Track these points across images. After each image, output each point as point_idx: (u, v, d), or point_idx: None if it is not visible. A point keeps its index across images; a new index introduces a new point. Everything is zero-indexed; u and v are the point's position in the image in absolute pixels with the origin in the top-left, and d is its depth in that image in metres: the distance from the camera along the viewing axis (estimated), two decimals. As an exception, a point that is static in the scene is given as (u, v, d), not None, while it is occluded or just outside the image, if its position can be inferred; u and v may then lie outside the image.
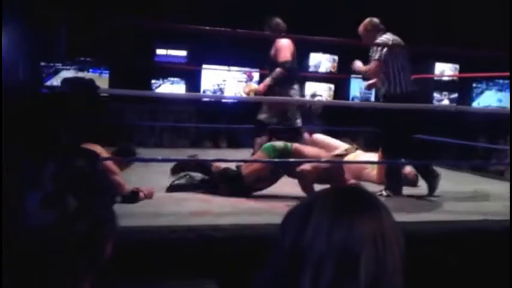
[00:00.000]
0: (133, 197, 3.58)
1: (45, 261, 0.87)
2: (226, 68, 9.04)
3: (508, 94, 10.90)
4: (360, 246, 0.88)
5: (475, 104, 10.75)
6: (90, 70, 8.28)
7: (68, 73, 7.95)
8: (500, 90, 11.18)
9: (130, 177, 4.41)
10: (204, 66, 8.84)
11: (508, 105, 10.34)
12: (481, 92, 11.15)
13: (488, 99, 11.03)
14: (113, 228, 0.96)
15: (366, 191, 1.00)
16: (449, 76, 10.98)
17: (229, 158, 4.83)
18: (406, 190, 4.66)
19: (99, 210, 0.93)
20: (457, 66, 10.79)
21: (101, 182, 0.98)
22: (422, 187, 4.90)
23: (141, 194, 3.68)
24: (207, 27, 3.72)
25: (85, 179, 0.93)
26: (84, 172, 0.94)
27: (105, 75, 8.34)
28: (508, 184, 5.45)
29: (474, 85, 11.05)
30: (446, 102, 10.98)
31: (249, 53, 8.20)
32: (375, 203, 0.96)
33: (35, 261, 0.86)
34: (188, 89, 8.97)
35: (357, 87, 10.05)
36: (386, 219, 0.93)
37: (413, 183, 4.85)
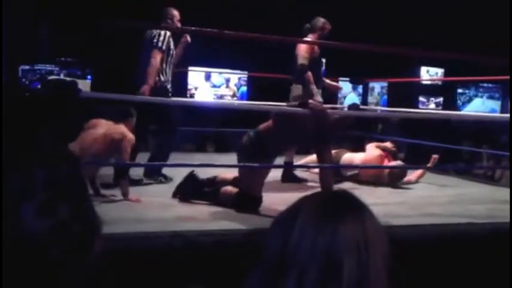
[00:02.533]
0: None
1: (41, 267, 0.86)
2: (209, 70, 9.04)
3: (499, 102, 11.03)
4: (344, 251, 0.89)
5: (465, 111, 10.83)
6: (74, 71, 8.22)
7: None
8: (491, 97, 11.25)
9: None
10: (190, 68, 8.81)
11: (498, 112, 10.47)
12: (469, 100, 11.23)
13: (477, 106, 11.10)
14: (100, 229, 0.97)
15: (351, 195, 1.00)
16: (436, 80, 11.05)
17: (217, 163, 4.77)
18: (393, 194, 4.68)
19: (89, 213, 0.93)
20: (442, 70, 10.88)
21: (85, 185, 0.98)
22: (407, 190, 4.92)
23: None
24: (192, 28, 3.65)
25: (72, 184, 0.93)
26: (70, 177, 0.93)
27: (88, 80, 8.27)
28: (493, 187, 5.50)
29: (460, 90, 11.13)
30: (432, 106, 11.05)
31: (232, 54, 8.21)
32: (359, 207, 0.96)
33: (31, 267, 0.86)
34: (173, 92, 8.91)
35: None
36: (370, 223, 0.94)
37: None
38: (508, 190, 5.37)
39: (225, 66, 9.19)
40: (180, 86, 8.27)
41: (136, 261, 2.70)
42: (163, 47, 4.90)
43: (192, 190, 3.97)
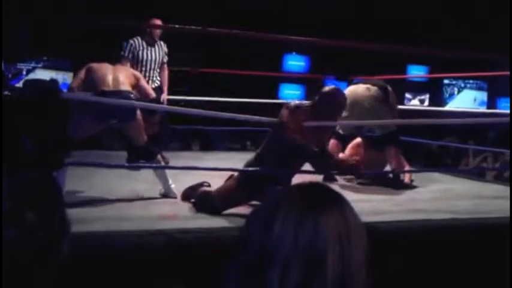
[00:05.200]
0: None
1: (9, 273, 0.85)
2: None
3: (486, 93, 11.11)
4: (326, 243, 0.88)
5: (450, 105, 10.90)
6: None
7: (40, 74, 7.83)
8: (478, 88, 11.31)
9: (97, 181, 4.34)
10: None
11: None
12: (456, 92, 11.29)
13: (464, 98, 11.17)
14: (68, 234, 0.96)
15: (330, 188, 1.00)
16: (423, 77, 11.12)
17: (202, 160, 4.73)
18: (377, 191, 4.67)
19: (55, 221, 0.92)
20: (428, 67, 10.95)
21: (55, 192, 0.97)
22: (391, 188, 4.92)
23: None
24: (176, 26, 3.62)
25: (39, 192, 0.92)
26: (37, 185, 0.92)
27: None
28: (478, 183, 5.53)
29: (447, 81, 11.18)
30: (416, 102, 11.11)
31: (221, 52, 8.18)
32: (339, 199, 0.96)
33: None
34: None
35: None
36: (350, 216, 0.94)
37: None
38: (492, 186, 5.42)
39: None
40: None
41: (118, 260, 2.67)
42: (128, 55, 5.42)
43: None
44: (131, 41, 5.50)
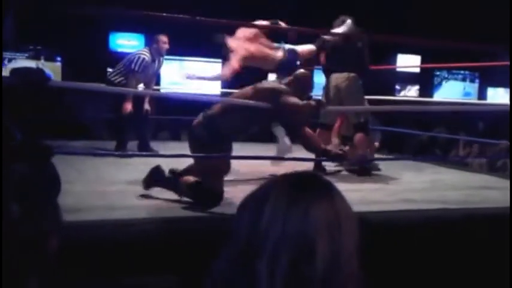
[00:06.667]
0: None
1: None
2: (185, 58, 8.95)
3: (476, 85, 11.14)
4: (316, 231, 0.88)
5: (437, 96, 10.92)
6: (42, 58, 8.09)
7: (21, 63, 7.75)
8: (463, 79, 11.33)
9: (86, 170, 4.32)
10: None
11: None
12: (441, 83, 11.31)
13: (451, 90, 11.18)
14: (57, 227, 0.94)
15: (320, 176, 1.00)
16: (414, 67, 11.12)
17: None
18: (367, 180, 4.69)
19: (43, 215, 0.91)
20: (419, 57, 10.94)
21: (45, 184, 0.95)
22: (382, 177, 4.94)
23: None
24: (164, 14, 3.56)
25: (27, 185, 0.90)
26: (26, 177, 0.90)
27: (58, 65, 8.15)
28: (467, 174, 5.56)
29: (438, 72, 11.20)
30: (408, 93, 11.13)
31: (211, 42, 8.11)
32: (329, 188, 0.96)
33: None
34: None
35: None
36: (340, 203, 0.94)
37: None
38: (482, 176, 5.45)
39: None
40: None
41: (108, 249, 2.66)
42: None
43: (155, 181, 3.69)
44: (144, 57, 5.54)
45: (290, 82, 3.96)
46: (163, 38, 5.66)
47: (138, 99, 5.54)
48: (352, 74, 5.03)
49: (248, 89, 3.84)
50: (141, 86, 5.90)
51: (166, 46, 5.69)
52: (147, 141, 5.72)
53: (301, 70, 4.16)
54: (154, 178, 3.69)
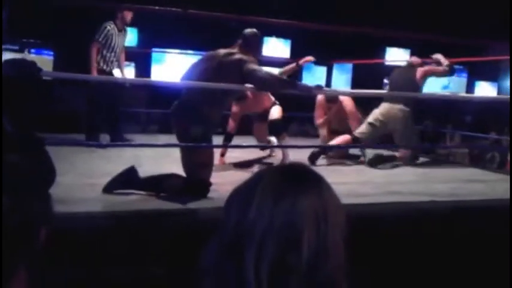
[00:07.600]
0: None
1: None
2: (178, 51, 8.87)
3: (464, 79, 11.17)
4: (302, 222, 0.88)
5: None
6: (32, 51, 8.02)
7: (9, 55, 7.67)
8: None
9: (78, 162, 4.31)
10: (154, 49, 8.67)
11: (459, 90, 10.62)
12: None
13: (432, 84, 11.21)
14: (47, 219, 0.93)
15: (308, 167, 1.00)
16: (403, 61, 11.11)
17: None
18: (356, 173, 4.71)
19: (32, 206, 0.89)
20: (408, 51, 10.94)
21: (36, 175, 0.94)
22: (370, 170, 4.97)
23: None
24: (156, 7, 3.55)
25: (18, 176, 0.88)
26: (17, 168, 0.89)
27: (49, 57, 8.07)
28: (456, 167, 5.60)
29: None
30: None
31: (204, 35, 8.10)
32: (317, 179, 0.96)
33: None
34: (138, 74, 8.76)
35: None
36: (329, 195, 0.94)
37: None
38: (469, 169, 5.50)
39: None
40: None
41: (98, 241, 2.67)
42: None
43: (129, 183, 3.51)
44: (108, 27, 5.70)
45: (240, 44, 3.99)
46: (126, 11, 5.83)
47: (102, 88, 5.59)
48: None
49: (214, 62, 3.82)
50: (117, 73, 5.97)
51: (130, 16, 5.83)
52: (119, 131, 5.81)
53: (249, 29, 4.14)
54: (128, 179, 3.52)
